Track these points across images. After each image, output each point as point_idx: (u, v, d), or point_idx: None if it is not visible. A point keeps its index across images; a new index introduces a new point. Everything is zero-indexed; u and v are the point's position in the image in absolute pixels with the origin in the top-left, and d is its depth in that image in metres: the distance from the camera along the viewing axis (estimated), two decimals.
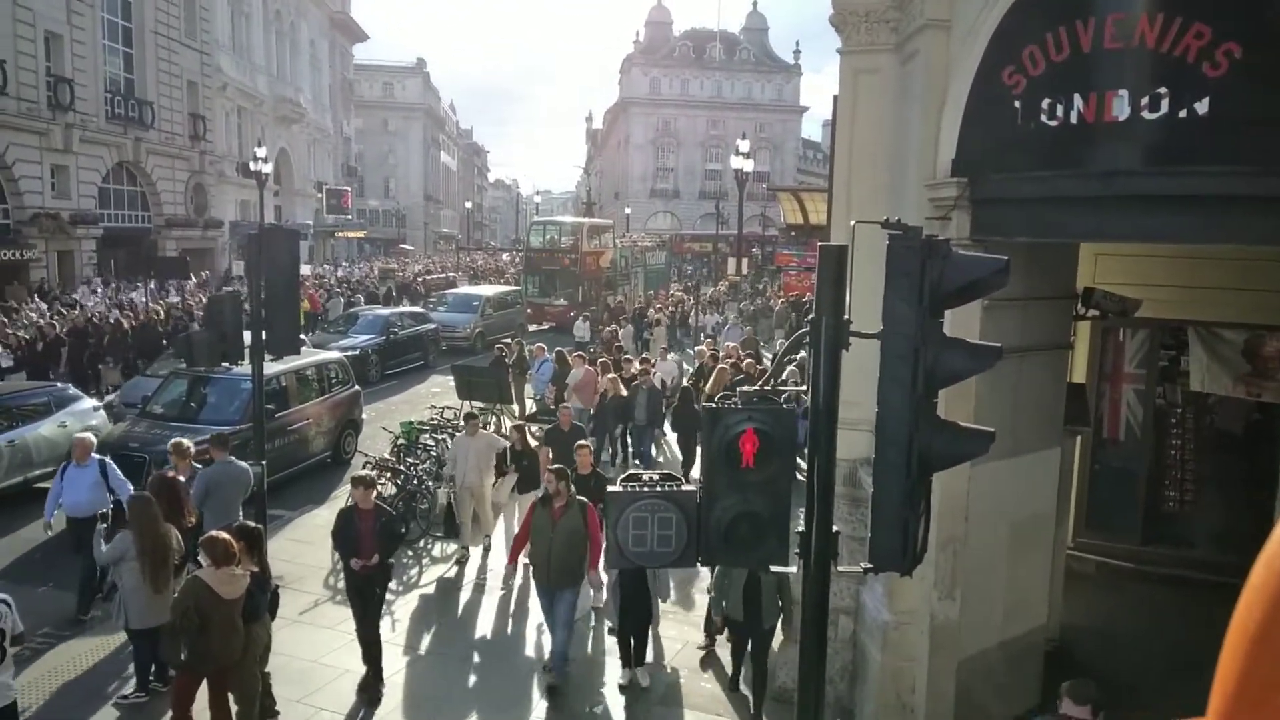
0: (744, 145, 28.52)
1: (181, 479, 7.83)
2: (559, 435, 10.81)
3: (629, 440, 14.41)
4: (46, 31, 27.72)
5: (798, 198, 24.49)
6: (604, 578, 8.06)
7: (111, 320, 20.07)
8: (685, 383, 16.15)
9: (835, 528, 3.63)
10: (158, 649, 6.97)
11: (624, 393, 13.80)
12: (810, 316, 3.57)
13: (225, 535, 6.09)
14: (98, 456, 8.97)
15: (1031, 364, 6.73)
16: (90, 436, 9.36)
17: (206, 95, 37.50)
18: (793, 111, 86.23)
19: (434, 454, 12.21)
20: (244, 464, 8.41)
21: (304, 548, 10.91)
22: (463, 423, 11.27)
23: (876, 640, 6.85)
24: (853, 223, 3.83)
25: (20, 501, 11.43)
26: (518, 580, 9.91)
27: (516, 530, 8.95)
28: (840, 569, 3.72)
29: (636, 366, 15.63)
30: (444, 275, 41.21)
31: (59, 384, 13.39)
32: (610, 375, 14.37)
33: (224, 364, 11.20)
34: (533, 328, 29.86)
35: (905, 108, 6.37)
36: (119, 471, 8.94)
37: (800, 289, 34.43)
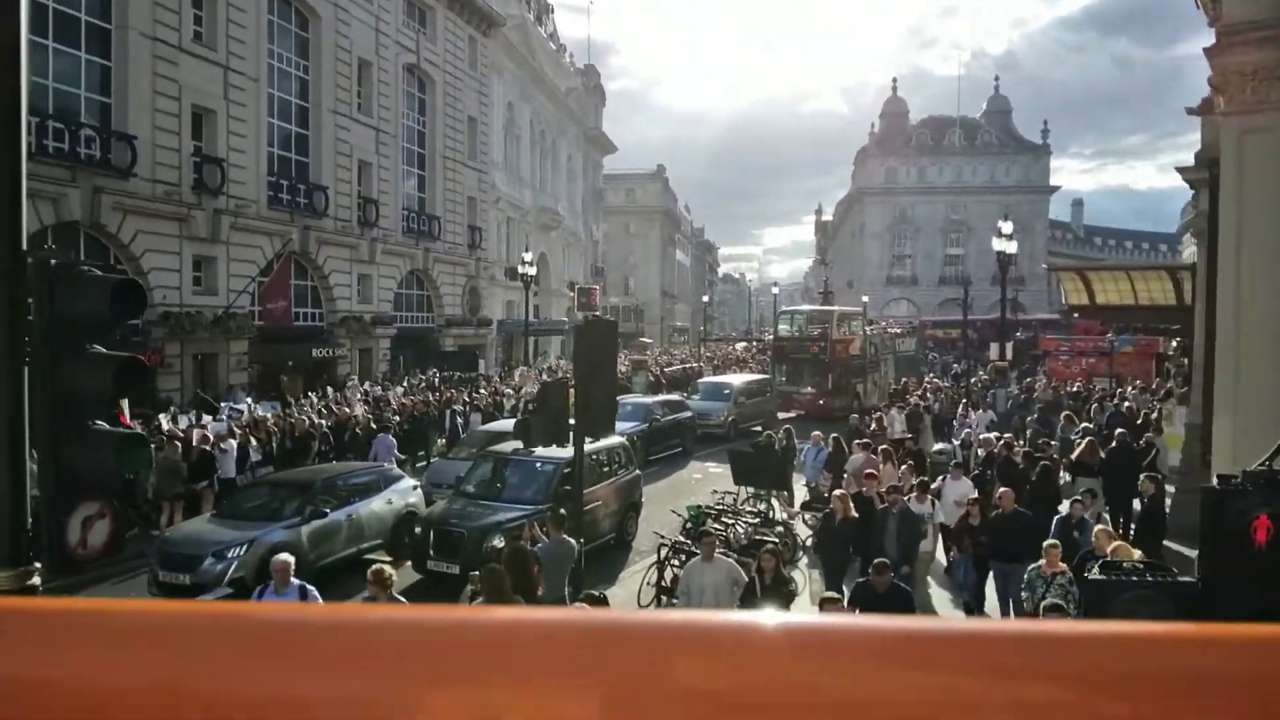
0: (1006, 227, 27.22)
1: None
2: (870, 594, 8.00)
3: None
4: (360, 160, 32.11)
5: (1083, 277, 22.81)
6: None
7: (356, 418, 19.86)
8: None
9: None
10: None
11: (854, 513, 10.76)
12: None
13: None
14: (297, 582, 7.76)
15: None
16: (288, 558, 7.87)
17: (483, 208, 41.65)
18: (1041, 192, 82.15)
19: (723, 536, 12.22)
20: (572, 540, 8.78)
21: None
22: (696, 543, 9.38)
23: None
24: None
25: (356, 572, 12.60)
26: None
27: None
28: None
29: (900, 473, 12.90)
30: (689, 365, 42.12)
31: (385, 464, 14.87)
32: (839, 491, 11.67)
33: (531, 448, 12.01)
34: (781, 415, 29.60)
35: None
36: (320, 601, 7.71)
37: (1067, 375, 31.83)
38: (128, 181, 21.36)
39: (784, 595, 8.62)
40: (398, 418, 20.78)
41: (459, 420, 22.38)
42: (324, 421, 19.04)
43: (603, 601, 6.74)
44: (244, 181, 25.86)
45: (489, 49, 42.42)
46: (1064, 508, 10.85)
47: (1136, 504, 14.65)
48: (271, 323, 25.19)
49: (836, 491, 11.86)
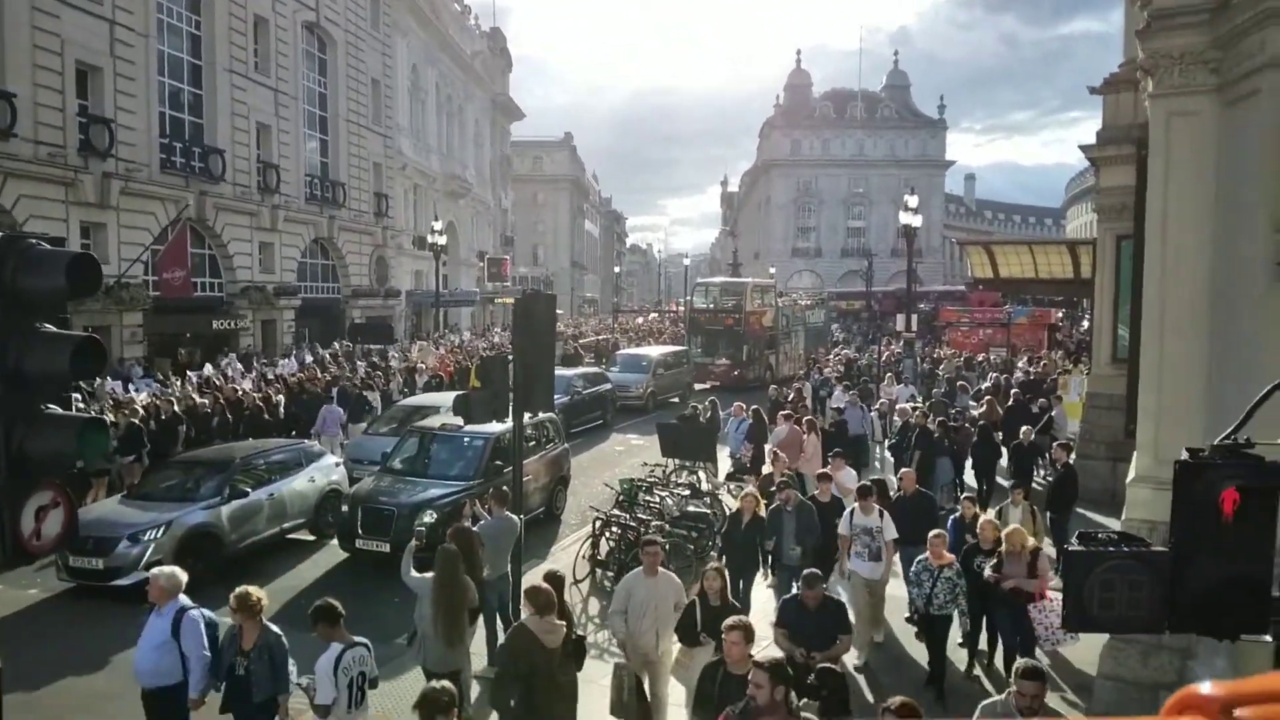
0: (912, 200, 28.06)
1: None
2: (802, 612, 6.93)
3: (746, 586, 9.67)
4: (258, 123, 30.62)
5: (988, 251, 23.76)
6: None
7: (241, 394, 17.81)
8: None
9: None
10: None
11: (763, 513, 9.72)
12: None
13: (547, 585, 6.26)
14: (185, 602, 6.30)
15: None
16: (169, 573, 6.41)
17: (389, 175, 40.37)
18: (938, 166, 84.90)
19: (655, 508, 12.36)
20: (515, 517, 8.70)
21: None
22: (640, 551, 7.52)
23: None
24: None
25: (279, 552, 12.26)
26: None
27: None
28: None
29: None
30: (603, 337, 42.10)
31: (305, 441, 14.40)
32: (748, 490, 10.36)
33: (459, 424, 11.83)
34: (697, 386, 30.00)
35: (1236, 150, 6.08)
36: (200, 629, 6.20)
37: (967, 346, 33.26)
38: (8, 142, 19.79)
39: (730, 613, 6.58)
40: (281, 396, 18.55)
41: (348, 400, 19.13)
42: (205, 401, 16.89)
43: (561, 582, 6.71)
44: (134, 144, 24.35)
45: (392, 7, 40.92)
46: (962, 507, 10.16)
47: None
48: (170, 294, 23.86)
49: (746, 490, 10.42)
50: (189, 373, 22.32)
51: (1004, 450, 15.37)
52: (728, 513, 14.14)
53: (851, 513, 9.31)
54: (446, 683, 4.71)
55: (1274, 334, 5.54)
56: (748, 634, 5.41)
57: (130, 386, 19.28)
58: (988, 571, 8.17)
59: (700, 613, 6.77)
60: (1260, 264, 5.71)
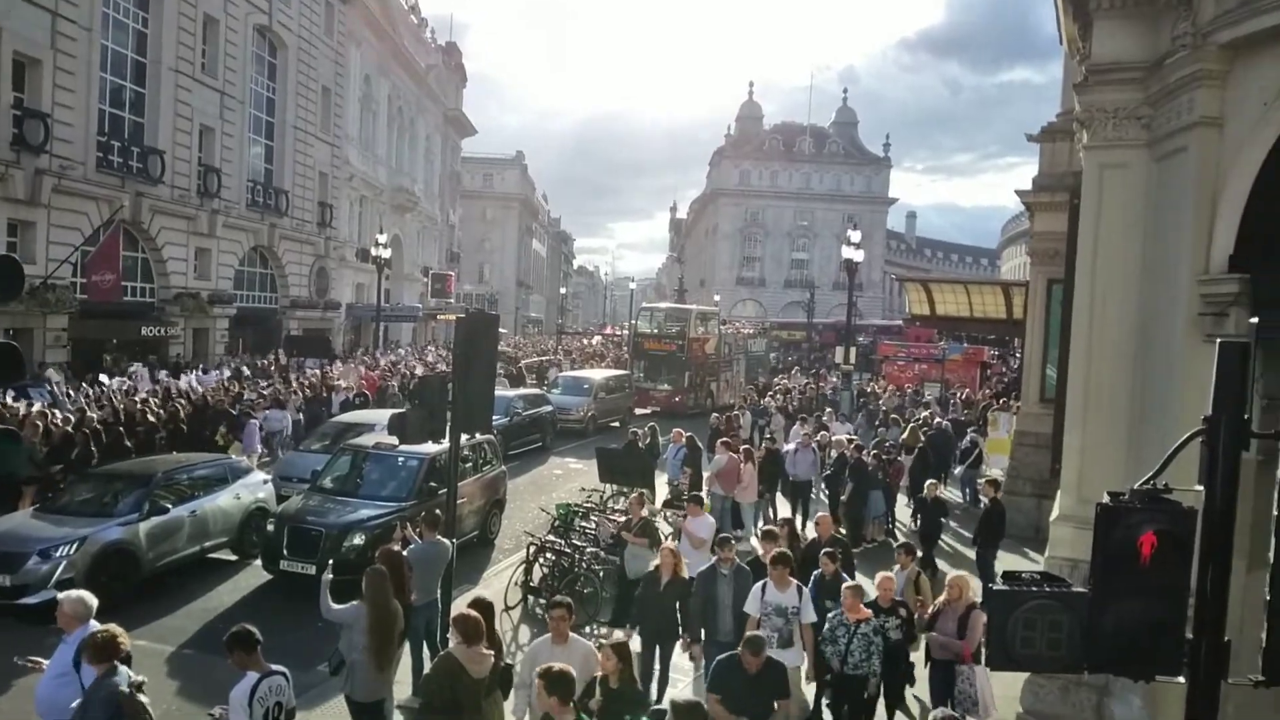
0: (855, 235, 28.67)
1: (398, 550, 7.91)
2: (740, 676, 6.19)
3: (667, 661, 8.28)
4: (202, 125, 29.93)
5: (926, 289, 24.33)
6: None
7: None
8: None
9: (1228, 638, 3.46)
10: None
11: (685, 573, 8.26)
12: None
13: (475, 613, 6.13)
14: (95, 630, 5.43)
15: None
16: (76, 598, 5.85)
17: (334, 185, 39.77)
18: (881, 203, 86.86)
19: (591, 534, 12.24)
20: (447, 541, 8.52)
21: None
22: (547, 614, 6.85)
23: None
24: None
25: (199, 572, 11.83)
26: None
27: None
28: (1230, 681, 3.52)
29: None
30: (547, 358, 41.79)
31: (233, 456, 13.95)
32: (667, 545, 8.92)
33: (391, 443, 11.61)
34: (638, 411, 30.00)
35: (1163, 203, 6.32)
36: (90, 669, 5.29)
37: (903, 380, 33.97)
38: None
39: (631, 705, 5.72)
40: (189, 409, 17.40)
41: (255, 420, 17.80)
42: (97, 415, 15.36)
43: (490, 610, 6.55)
44: (70, 140, 23.56)
45: (347, 16, 40.56)
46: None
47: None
48: (98, 297, 23.06)
49: (665, 545, 8.90)
50: (84, 384, 20.42)
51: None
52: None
53: (764, 587, 7.66)
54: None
55: (1192, 381, 5.74)
56: (551, 684, 5.07)
57: (9, 395, 17.49)
58: (892, 628, 7.64)
59: (600, 695, 5.69)
60: (1181, 313, 5.92)
